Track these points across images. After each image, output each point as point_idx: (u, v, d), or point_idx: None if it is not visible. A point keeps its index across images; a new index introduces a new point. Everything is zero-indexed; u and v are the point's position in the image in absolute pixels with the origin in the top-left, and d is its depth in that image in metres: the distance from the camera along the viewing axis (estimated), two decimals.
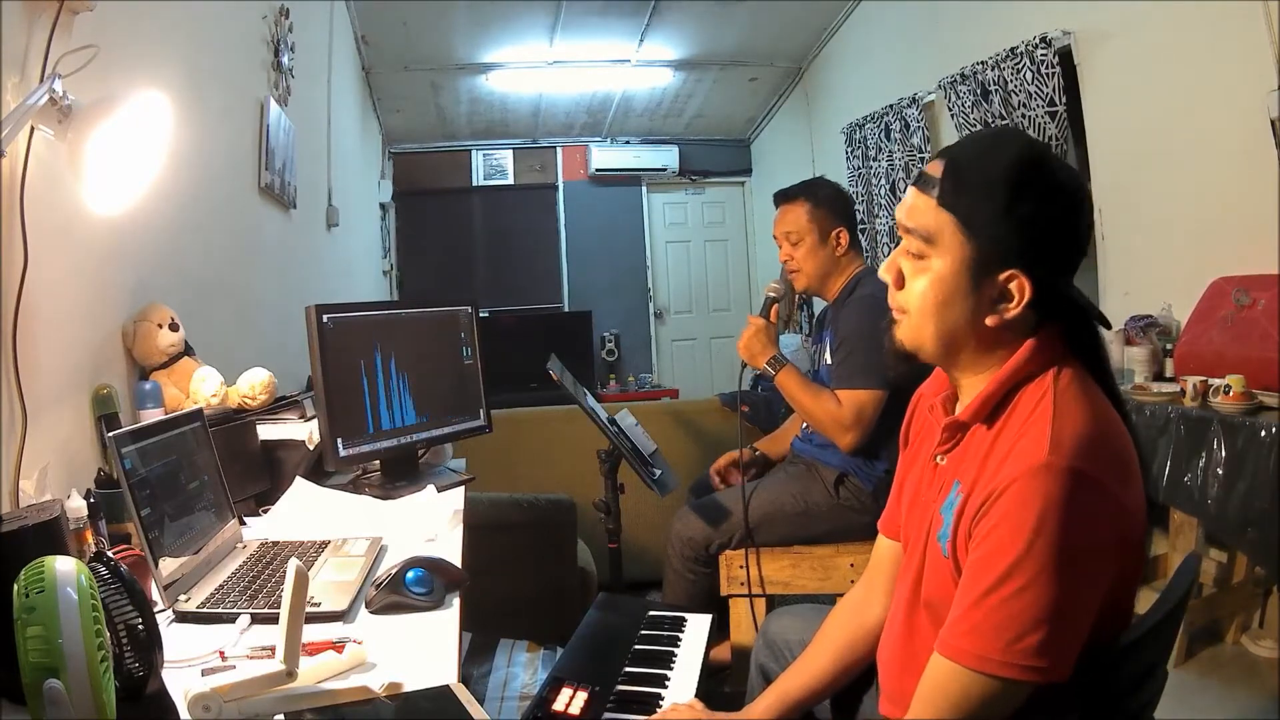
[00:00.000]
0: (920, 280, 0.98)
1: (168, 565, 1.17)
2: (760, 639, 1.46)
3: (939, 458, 1.05)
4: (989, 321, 0.95)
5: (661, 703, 1.27)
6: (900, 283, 1.01)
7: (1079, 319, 0.98)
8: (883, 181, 4.64)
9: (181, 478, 1.29)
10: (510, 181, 6.97)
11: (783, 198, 2.26)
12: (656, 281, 7.18)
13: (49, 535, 0.94)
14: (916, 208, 0.98)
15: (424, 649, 1.08)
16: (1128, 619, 0.97)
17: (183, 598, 1.17)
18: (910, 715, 0.92)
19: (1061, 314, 0.97)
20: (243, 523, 1.54)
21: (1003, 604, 0.84)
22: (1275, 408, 2.10)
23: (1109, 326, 0.99)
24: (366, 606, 1.19)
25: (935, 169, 0.97)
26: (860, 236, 2.29)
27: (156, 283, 1.83)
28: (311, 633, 1.06)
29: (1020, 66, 3.34)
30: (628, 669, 1.36)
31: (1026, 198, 0.92)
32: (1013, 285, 0.94)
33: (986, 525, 0.88)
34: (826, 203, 2.20)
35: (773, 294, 2.18)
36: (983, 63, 3.57)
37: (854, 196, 4.61)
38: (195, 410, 1.43)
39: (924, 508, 1.04)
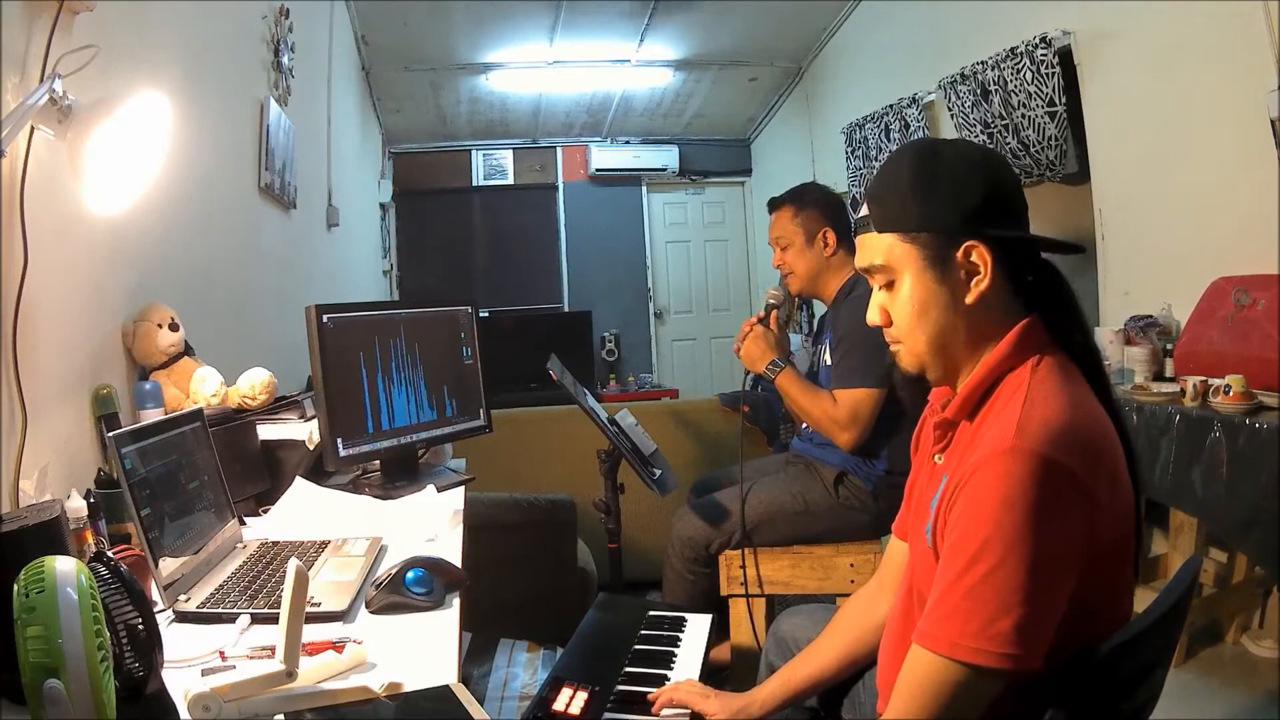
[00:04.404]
0: (899, 303, 1.03)
1: (168, 565, 1.17)
2: (771, 638, 1.48)
3: (936, 457, 1.07)
4: (969, 300, 0.99)
5: None
6: (888, 320, 1.05)
7: (1056, 298, 1.01)
8: None
9: (181, 478, 1.29)
10: (510, 181, 6.97)
11: (771, 205, 2.31)
12: (656, 281, 7.17)
13: (49, 535, 0.94)
14: (866, 247, 1.05)
15: (424, 649, 1.08)
16: (1124, 618, 0.97)
17: (183, 598, 1.17)
18: (891, 707, 0.92)
19: (1038, 290, 1.01)
20: (243, 523, 1.54)
21: (972, 590, 0.85)
22: (1275, 408, 2.10)
23: (1081, 250, 1.02)
24: (366, 606, 1.19)
25: (864, 210, 1.05)
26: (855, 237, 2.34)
27: (156, 283, 1.83)
28: (311, 633, 1.06)
29: (1020, 66, 3.34)
30: (628, 669, 1.36)
31: (936, 175, 0.99)
32: (974, 256, 0.98)
33: (956, 513, 0.90)
34: (811, 205, 2.23)
35: (772, 300, 2.20)
36: (983, 63, 3.57)
37: (855, 197, 4.61)
38: (195, 410, 1.43)
39: (922, 506, 1.06)
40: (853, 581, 2.10)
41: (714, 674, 1.37)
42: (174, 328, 1.72)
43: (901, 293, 1.02)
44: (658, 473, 2.11)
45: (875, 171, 1.07)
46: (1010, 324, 0.99)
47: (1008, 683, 0.86)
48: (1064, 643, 0.88)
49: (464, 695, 0.94)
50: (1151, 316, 2.76)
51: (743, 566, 2.12)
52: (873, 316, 1.07)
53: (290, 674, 0.92)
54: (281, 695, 0.92)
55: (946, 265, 0.99)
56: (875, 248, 1.03)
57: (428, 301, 1.97)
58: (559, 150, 7.01)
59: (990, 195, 0.99)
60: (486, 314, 6.19)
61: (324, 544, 1.41)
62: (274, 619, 1.02)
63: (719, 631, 1.83)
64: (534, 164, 7.01)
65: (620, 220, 7.08)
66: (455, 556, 1.36)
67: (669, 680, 1.33)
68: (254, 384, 1.79)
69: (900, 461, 1.70)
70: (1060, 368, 0.97)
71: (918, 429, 1.22)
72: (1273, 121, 2.39)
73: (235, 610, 1.15)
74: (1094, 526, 0.87)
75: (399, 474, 1.83)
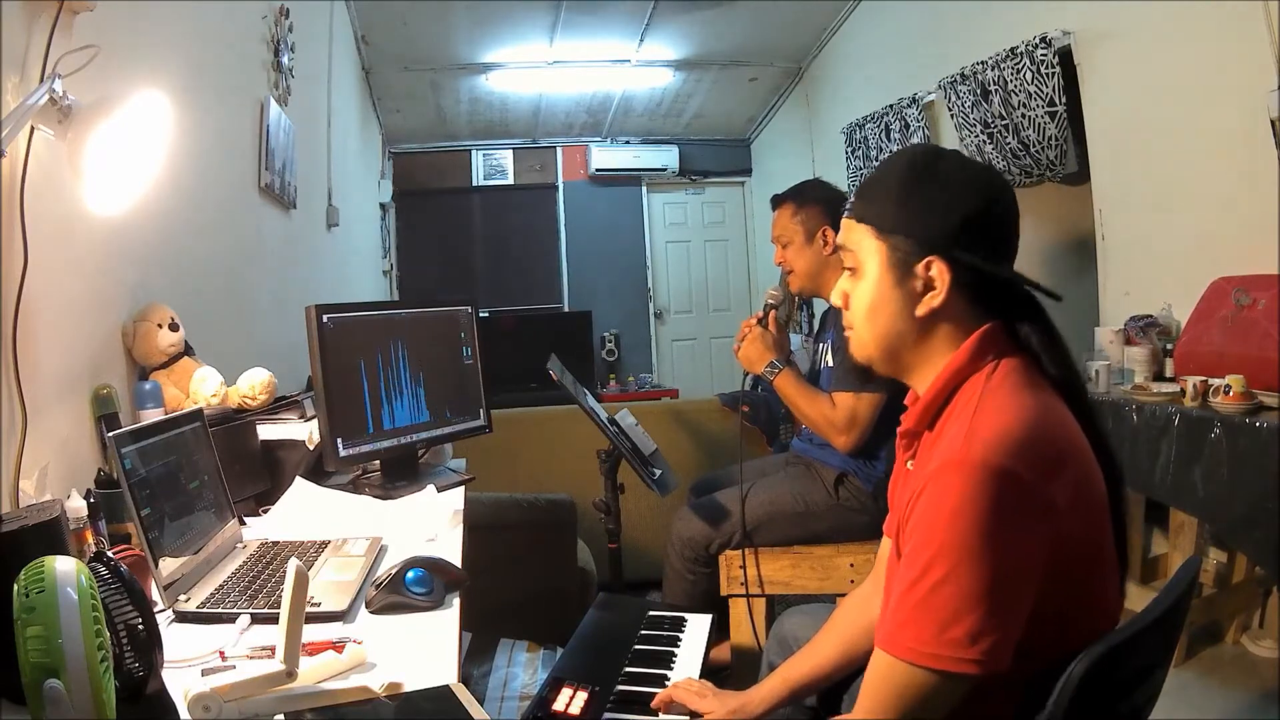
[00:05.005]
0: (858, 294, 1.04)
1: (168, 565, 1.17)
2: (772, 637, 1.48)
3: (908, 463, 1.08)
4: (919, 312, 0.99)
5: None
6: (847, 304, 1.07)
7: (1023, 310, 1.00)
8: None
9: (181, 478, 1.29)
10: (510, 181, 6.97)
11: (773, 202, 2.31)
12: (656, 281, 7.17)
13: (49, 535, 0.94)
14: (846, 229, 1.06)
15: (424, 649, 1.08)
16: (1112, 619, 0.97)
17: (183, 598, 1.17)
18: (857, 708, 0.93)
19: (1004, 304, 1.00)
20: (243, 523, 1.54)
21: (928, 596, 0.86)
22: (1275, 408, 2.10)
23: (1058, 298, 1.01)
24: (366, 606, 1.19)
25: (853, 199, 1.06)
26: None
27: (156, 283, 1.83)
28: (311, 633, 1.06)
29: (1020, 66, 3.34)
30: (628, 669, 1.36)
31: (924, 183, 0.98)
32: (932, 272, 0.98)
33: (911, 523, 0.91)
34: (812, 203, 2.22)
35: (771, 300, 2.20)
36: (983, 63, 3.57)
37: None
38: (195, 410, 1.43)
39: (898, 513, 1.06)
40: (852, 581, 2.10)
41: (714, 674, 1.37)
42: (174, 328, 1.72)
43: (862, 285, 1.03)
44: (658, 473, 2.11)
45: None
46: (968, 331, 0.99)
47: (973, 685, 0.86)
48: (1043, 647, 0.89)
49: (464, 695, 0.94)
50: (1151, 316, 2.76)
51: (743, 567, 2.12)
52: (835, 298, 1.09)
53: (290, 674, 0.92)
54: (281, 695, 0.92)
55: (907, 272, 0.99)
56: (851, 234, 1.05)
57: (428, 301, 1.97)
58: (559, 150, 7.01)
59: (972, 218, 0.96)
60: (486, 314, 6.19)
61: (324, 544, 1.41)
62: (274, 619, 1.02)
63: (719, 632, 1.83)
64: (534, 164, 7.01)
65: (620, 220, 7.08)
66: (455, 556, 1.36)
67: (669, 680, 1.33)
68: (254, 384, 1.79)
69: None
70: (1019, 371, 0.96)
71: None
72: (1273, 121, 2.39)
73: (235, 610, 1.15)
74: (1055, 531, 0.87)
75: (399, 474, 1.83)
